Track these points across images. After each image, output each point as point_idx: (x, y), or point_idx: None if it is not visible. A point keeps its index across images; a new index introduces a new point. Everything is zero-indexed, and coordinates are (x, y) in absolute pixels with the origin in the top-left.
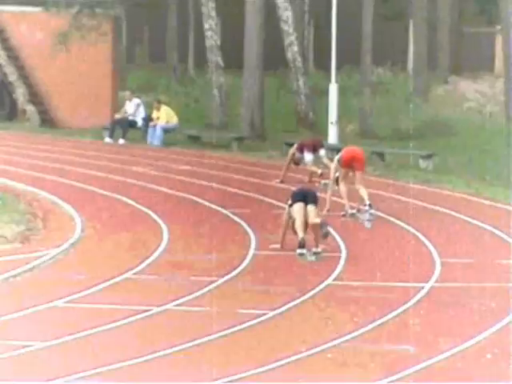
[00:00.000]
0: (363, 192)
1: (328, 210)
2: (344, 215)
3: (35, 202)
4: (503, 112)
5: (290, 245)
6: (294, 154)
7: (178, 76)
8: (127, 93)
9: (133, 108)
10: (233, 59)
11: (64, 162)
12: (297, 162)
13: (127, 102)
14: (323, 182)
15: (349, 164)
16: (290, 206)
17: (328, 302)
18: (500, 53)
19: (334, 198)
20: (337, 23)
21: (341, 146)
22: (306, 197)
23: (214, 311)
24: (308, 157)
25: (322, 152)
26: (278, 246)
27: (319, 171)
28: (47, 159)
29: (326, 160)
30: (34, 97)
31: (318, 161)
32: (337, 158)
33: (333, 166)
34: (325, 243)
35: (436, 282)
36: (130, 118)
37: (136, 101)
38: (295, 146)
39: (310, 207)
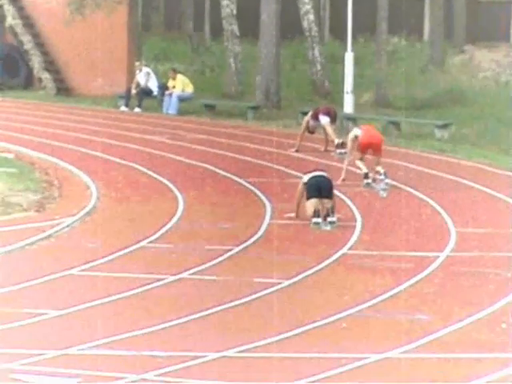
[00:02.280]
0: (379, 168)
1: (343, 180)
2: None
3: (51, 170)
4: None
5: (305, 214)
6: (308, 122)
7: (193, 45)
8: (136, 63)
9: (143, 78)
10: (249, 28)
11: (79, 131)
12: (312, 130)
13: (137, 73)
14: (338, 151)
15: (366, 149)
16: (305, 184)
17: (343, 271)
18: None
19: (351, 168)
20: None
21: (356, 115)
22: (321, 189)
23: (228, 280)
24: (324, 119)
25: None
26: (293, 214)
27: (336, 141)
28: (62, 127)
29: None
30: (50, 65)
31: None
32: (354, 133)
33: (350, 136)
34: (340, 213)
35: (451, 251)
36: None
37: (145, 70)
38: (309, 113)
39: (325, 200)
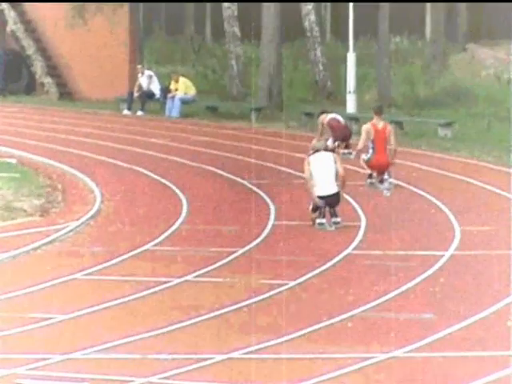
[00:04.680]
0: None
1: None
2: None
3: (54, 174)
4: None
5: (309, 215)
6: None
7: (195, 47)
8: (138, 66)
9: (146, 81)
10: (250, 29)
11: (83, 135)
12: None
13: (139, 76)
14: (342, 151)
15: (374, 169)
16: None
17: (348, 271)
18: None
19: (355, 168)
20: None
21: (359, 115)
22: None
23: (234, 282)
24: (331, 144)
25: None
26: None
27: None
28: (66, 132)
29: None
30: (52, 69)
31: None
32: (367, 128)
33: (363, 130)
34: (344, 213)
35: (456, 249)
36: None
37: (148, 73)
38: (326, 120)
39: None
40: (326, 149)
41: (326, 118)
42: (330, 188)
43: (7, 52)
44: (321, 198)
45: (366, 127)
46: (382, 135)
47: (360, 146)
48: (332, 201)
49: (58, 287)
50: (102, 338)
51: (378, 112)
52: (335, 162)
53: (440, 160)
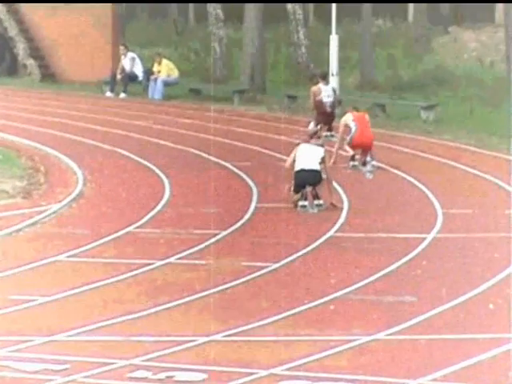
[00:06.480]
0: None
1: (334, 163)
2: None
3: (37, 156)
4: (504, 62)
5: (291, 197)
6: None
7: (178, 29)
8: (120, 47)
9: (128, 63)
10: (233, 12)
11: (65, 117)
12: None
13: (122, 58)
14: (324, 134)
15: (357, 148)
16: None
17: (330, 254)
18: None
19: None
20: None
21: (341, 97)
22: (307, 184)
23: (216, 264)
24: (313, 127)
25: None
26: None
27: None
28: (48, 114)
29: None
30: (35, 51)
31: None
32: (346, 119)
33: (342, 121)
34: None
35: (438, 232)
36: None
37: (130, 55)
38: (317, 98)
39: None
40: (321, 146)
41: (319, 93)
42: (312, 164)
43: None
44: (300, 171)
45: (343, 119)
46: (362, 116)
47: (339, 142)
48: (312, 178)
49: (41, 269)
50: (84, 320)
51: (356, 110)
52: (323, 153)
53: (422, 142)
